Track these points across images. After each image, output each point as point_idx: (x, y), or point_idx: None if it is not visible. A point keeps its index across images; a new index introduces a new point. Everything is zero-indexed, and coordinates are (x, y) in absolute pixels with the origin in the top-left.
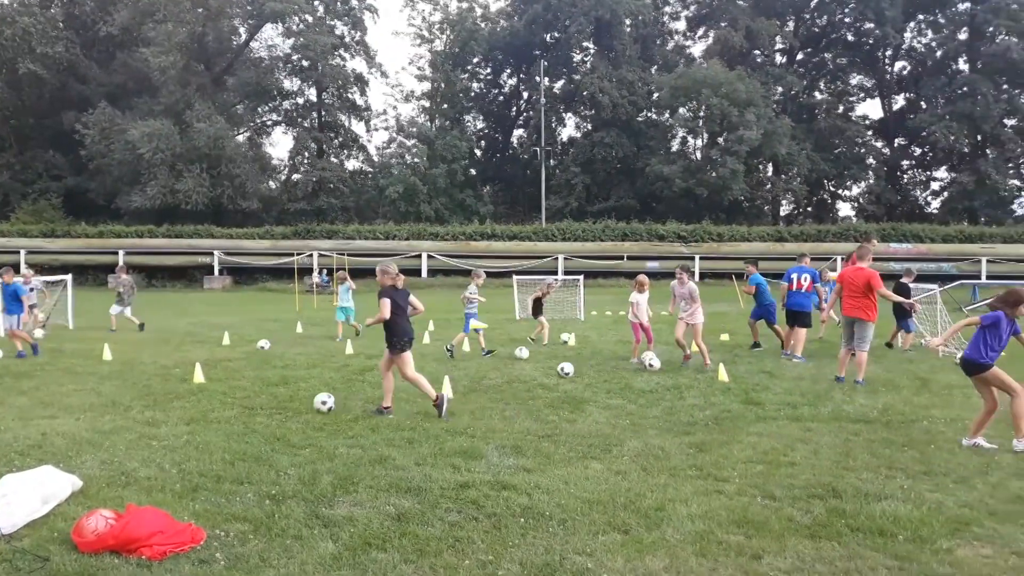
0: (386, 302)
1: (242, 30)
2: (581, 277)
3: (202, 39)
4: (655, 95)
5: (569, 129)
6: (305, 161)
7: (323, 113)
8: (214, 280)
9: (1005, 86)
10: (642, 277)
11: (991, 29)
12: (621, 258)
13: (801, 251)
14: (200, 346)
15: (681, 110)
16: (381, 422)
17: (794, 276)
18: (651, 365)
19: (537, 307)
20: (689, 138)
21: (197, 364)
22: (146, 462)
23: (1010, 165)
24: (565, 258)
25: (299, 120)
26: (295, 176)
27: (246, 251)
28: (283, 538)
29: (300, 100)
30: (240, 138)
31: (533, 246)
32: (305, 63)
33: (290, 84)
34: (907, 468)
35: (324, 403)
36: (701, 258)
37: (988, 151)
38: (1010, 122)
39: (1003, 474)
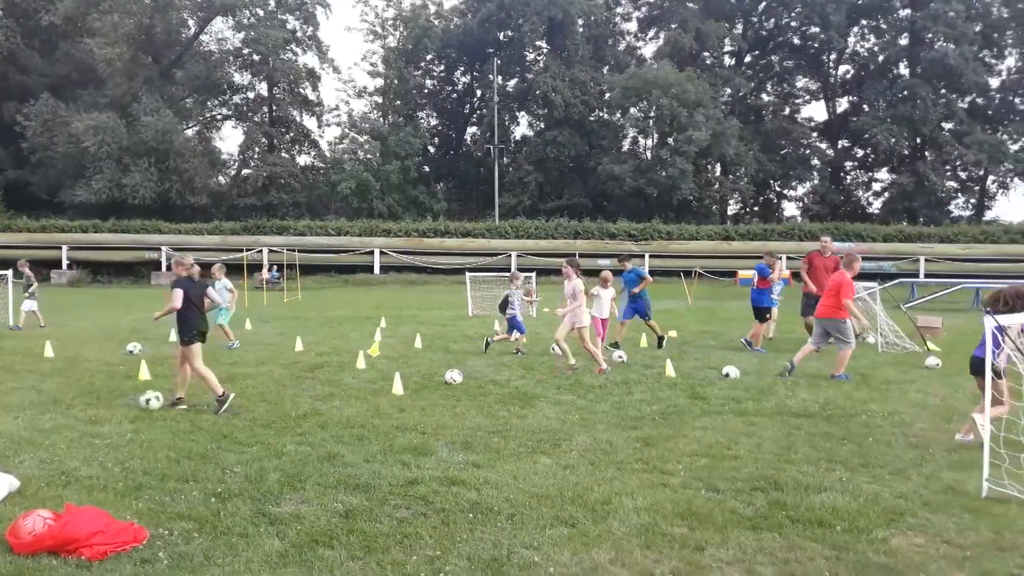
0: (179, 292)
1: (191, 23)
2: (534, 274)
3: (150, 31)
4: (607, 95)
5: (522, 127)
6: (255, 156)
7: (274, 108)
8: (162, 276)
9: (943, 91)
10: (606, 273)
11: (930, 35)
12: (573, 256)
13: (767, 249)
14: (146, 343)
15: (632, 110)
16: (330, 419)
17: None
18: (620, 358)
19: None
20: (640, 138)
21: (143, 361)
22: (88, 461)
23: (947, 168)
24: (518, 255)
25: (249, 115)
26: (245, 171)
27: (195, 247)
28: (228, 536)
29: (251, 94)
30: (189, 132)
31: (486, 243)
32: (256, 57)
33: (240, 78)
34: (846, 461)
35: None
36: (651, 256)
37: (927, 154)
38: (947, 126)
39: (936, 466)
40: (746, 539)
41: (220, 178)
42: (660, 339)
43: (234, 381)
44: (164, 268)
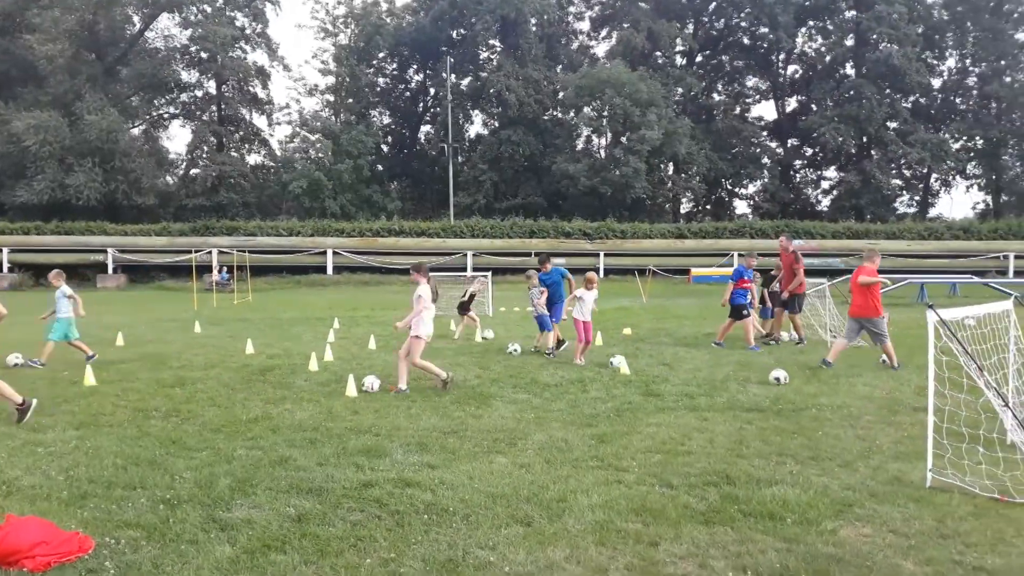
0: None
1: (136, 19)
2: (489, 274)
3: (93, 27)
4: (560, 94)
5: (476, 126)
6: (204, 155)
7: (223, 106)
8: (108, 279)
9: (888, 91)
10: (591, 275)
11: (874, 37)
12: (529, 255)
13: (751, 250)
14: (91, 347)
15: (586, 109)
16: (282, 423)
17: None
18: (551, 355)
19: (466, 304)
20: (593, 137)
21: (88, 366)
22: (30, 470)
23: (892, 166)
24: (473, 255)
25: (198, 113)
26: (193, 171)
27: (142, 248)
28: (178, 543)
29: (199, 93)
30: (135, 131)
31: (441, 243)
32: (204, 55)
33: (188, 76)
34: (796, 454)
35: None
36: (605, 255)
37: (873, 152)
38: (892, 125)
39: (883, 457)
40: (699, 533)
41: (168, 178)
42: (559, 343)
43: (183, 385)
44: (110, 271)
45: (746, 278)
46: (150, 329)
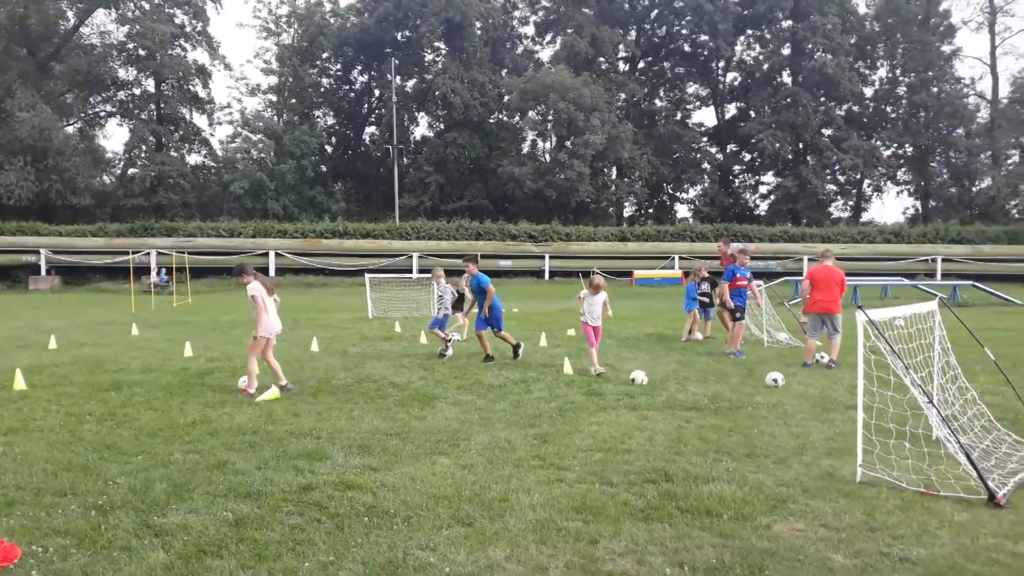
0: None
1: (70, 14)
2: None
3: (23, 22)
4: (506, 98)
5: (422, 128)
6: (143, 155)
7: (162, 105)
8: (41, 280)
9: (822, 98)
10: (598, 279)
11: (810, 46)
12: (476, 257)
13: (741, 247)
14: (23, 351)
15: (531, 113)
16: (221, 426)
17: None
18: (598, 373)
19: (458, 304)
20: (538, 141)
21: (17, 370)
22: None
23: (827, 171)
24: (419, 256)
25: (136, 112)
26: (132, 170)
27: (77, 249)
28: (109, 550)
29: (136, 91)
30: (70, 129)
31: (387, 244)
32: (142, 52)
33: (125, 74)
34: (733, 451)
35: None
36: (551, 257)
37: (809, 158)
38: (827, 132)
39: (816, 454)
40: (638, 530)
41: (104, 178)
42: (515, 348)
43: (119, 389)
44: (43, 272)
45: (739, 276)
46: (85, 332)
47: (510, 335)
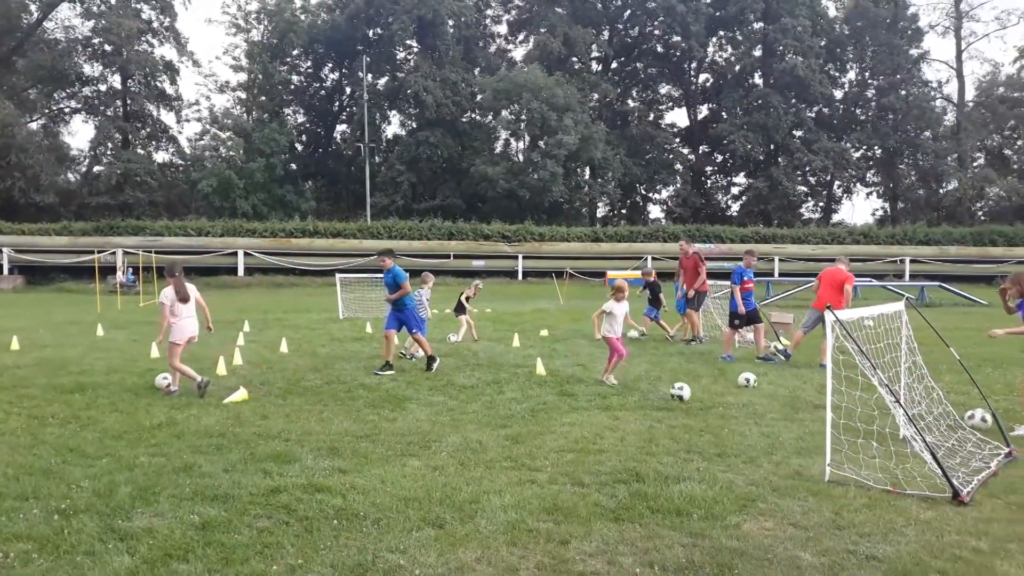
0: None
1: (33, 8)
2: (407, 275)
3: None
4: (478, 97)
5: (394, 127)
6: (108, 152)
7: (128, 101)
8: (3, 280)
9: (793, 100)
10: (621, 282)
11: (781, 48)
12: (448, 257)
13: (748, 249)
14: None
15: (504, 112)
16: (187, 429)
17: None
18: (612, 384)
19: (460, 306)
20: (511, 140)
21: None
22: None
23: (798, 173)
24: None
25: (101, 108)
26: (97, 168)
27: (41, 248)
28: (73, 555)
29: (102, 87)
30: (33, 126)
31: (358, 244)
32: (108, 47)
33: (91, 69)
34: (703, 451)
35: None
36: (524, 257)
37: (780, 159)
38: (798, 133)
39: (785, 453)
40: (608, 530)
41: (69, 175)
42: (429, 360)
43: (83, 391)
44: (5, 271)
45: (747, 279)
46: (49, 333)
47: (427, 343)
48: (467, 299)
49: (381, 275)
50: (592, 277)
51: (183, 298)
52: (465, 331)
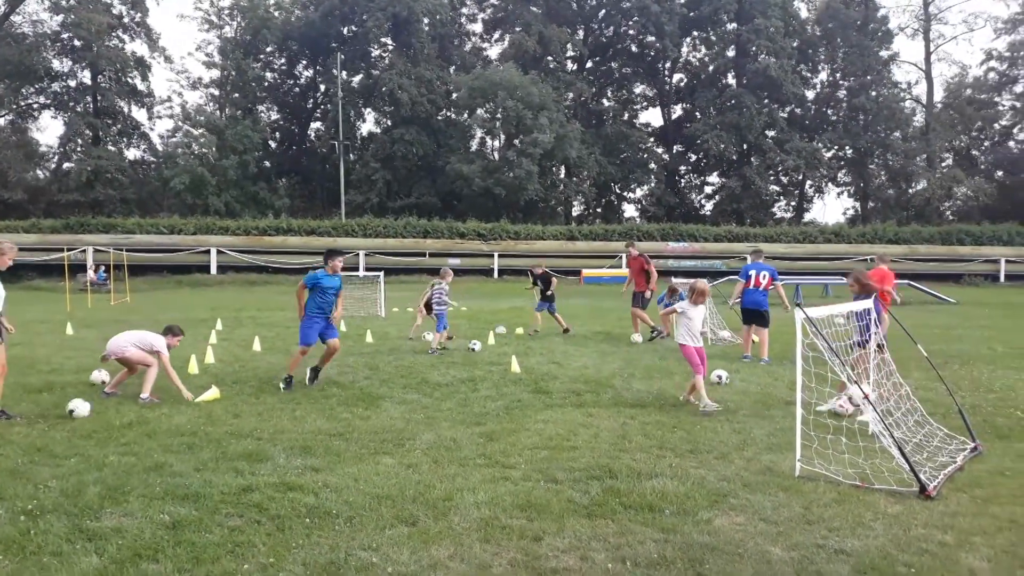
0: None
1: (0, 2)
2: (382, 273)
3: None
4: (454, 95)
5: (369, 124)
6: (79, 149)
7: (99, 98)
8: None
9: (766, 100)
10: (702, 284)
11: (753, 48)
12: (423, 255)
13: (756, 247)
14: None
15: (479, 111)
16: (158, 428)
17: (752, 273)
18: (705, 409)
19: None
20: (487, 138)
21: None
22: None
23: (770, 172)
24: (366, 254)
25: (71, 104)
26: (67, 165)
27: None
28: (39, 556)
29: (72, 83)
30: (0, 122)
31: (332, 241)
32: (77, 43)
33: (60, 65)
34: (676, 447)
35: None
36: (500, 255)
37: (752, 159)
38: (770, 133)
39: (756, 449)
40: (581, 526)
41: (38, 172)
42: (313, 371)
43: (52, 391)
44: None
45: (744, 279)
46: (17, 332)
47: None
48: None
49: (355, 273)
50: (567, 275)
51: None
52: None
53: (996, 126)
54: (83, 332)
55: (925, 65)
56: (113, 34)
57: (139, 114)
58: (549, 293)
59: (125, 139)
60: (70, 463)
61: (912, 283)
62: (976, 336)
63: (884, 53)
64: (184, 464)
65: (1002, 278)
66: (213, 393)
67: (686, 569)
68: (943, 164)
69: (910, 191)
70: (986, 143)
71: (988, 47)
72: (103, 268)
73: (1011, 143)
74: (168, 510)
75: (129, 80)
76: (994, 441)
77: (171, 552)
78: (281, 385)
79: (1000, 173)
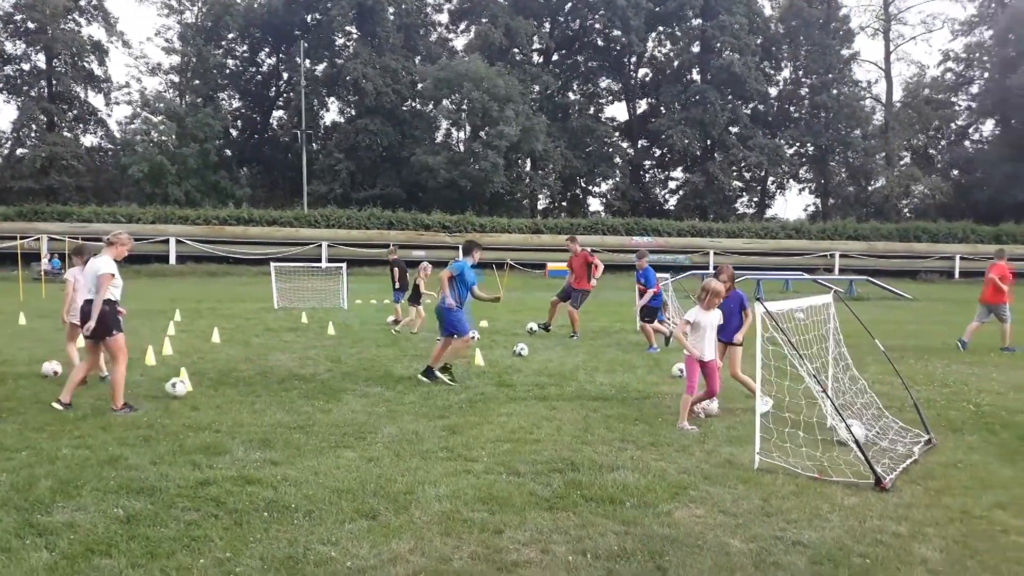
0: None
1: None
2: (344, 265)
3: None
4: (419, 85)
5: (332, 114)
6: (33, 135)
7: (54, 82)
8: None
9: (730, 96)
10: (716, 284)
11: (718, 45)
12: (387, 246)
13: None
14: None
15: (445, 102)
16: (113, 420)
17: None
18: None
19: (417, 294)
20: (453, 130)
21: None
22: None
23: (733, 168)
24: (329, 245)
25: (24, 88)
26: (20, 151)
27: None
28: None
29: (25, 66)
30: None
31: (295, 232)
32: (31, 24)
33: (13, 47)
34: (637, 440)
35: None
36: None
37: (716, 155)
38: (734, 129)
39: (716, 442)
40: (543, 519)
41: None
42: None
43: (3, 382)
44: None
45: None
46: None
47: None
48: (422, 285)
49: (318, 264)
50: (532, 268)
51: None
52: (412, 320)
53: (952, 126)
54: (36, 322)
55: (885, 64)
56: (69, 17)
57: (96, 100)
58: (402, 283)
59: (81, 125)
60: (21, 456)
61: (871, 279)
62: (931, 331)
63: (845, 52)
64: (140, 457)
65: (956, 275)
66: (188, 387)
67: (646, 561)
68: (901, 162)
69: (869, 188)
70: (943, 142)
71: (946, 48)
72: (57, 256)
73: (967, 143)
74: (122, 504)
75: (86, 64)
76: (947, 434)
77: (125, 547)
78: (441, 377)
79: (956, 172)
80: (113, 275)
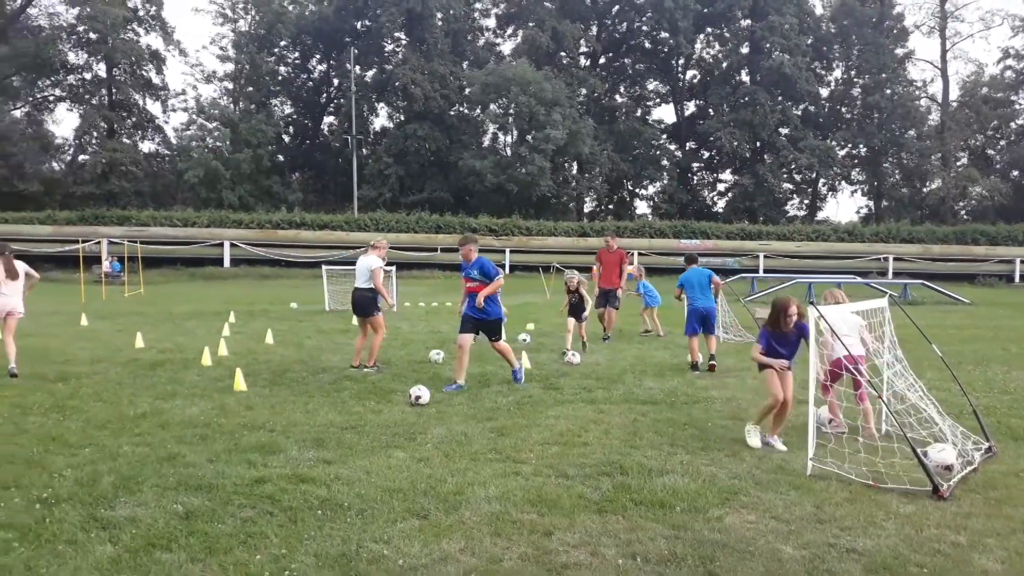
0: None
1: None
2: (394, 268)
3: None
4: (467, 90)
5: (382, 119)
6: (94, 141)
7: (114, 90)
8: None
9: (780, 98)
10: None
11: (768, 45)
12: (435, 250)
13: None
14: None
15: (492, 106)
16: (172, 419)
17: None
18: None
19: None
20: (500, 134)
21: None
22: None
23: (784, 170)
24: None
25: (86, 97)
26: (82, 157)
27: (24, 237)
28: (54, 544)
29: (87, 75)
30: (17, 113)
31: (345, 236)
32: (93, 35)
33: (76, 57)
34: (687, 444)
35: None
36: (511, 251)
37: (765, 157)
38: (784, 131)
39: (766, 447)
40: (592, 522)
41: (54, 164)
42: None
43: (66, 381)
44: None
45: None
46: (32, 322)
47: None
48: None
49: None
50: (580, 272)
51: (12, 273)
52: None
53: (1012, 125)
54: (97, 323)
55: (941, 63)
56: (128, 27)
57: (154, 107)
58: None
59: (140, 132)
60: (84, 453)
61: (926, 283)
62: (990, 337)
63: (899, 51)
64: (197, 455)
65: (1017, 278)
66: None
67: (696, 566)
68: (958, 163)
69: (924, 190)
70: (1002, 142)
71: (1005, 45)
72: (117, 260)
73: None
74: (181, 500)
75: (144, 73)
76: (1008, 442)
77: (184, 542)
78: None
79: (1016, 173)
80: (384, 270)
